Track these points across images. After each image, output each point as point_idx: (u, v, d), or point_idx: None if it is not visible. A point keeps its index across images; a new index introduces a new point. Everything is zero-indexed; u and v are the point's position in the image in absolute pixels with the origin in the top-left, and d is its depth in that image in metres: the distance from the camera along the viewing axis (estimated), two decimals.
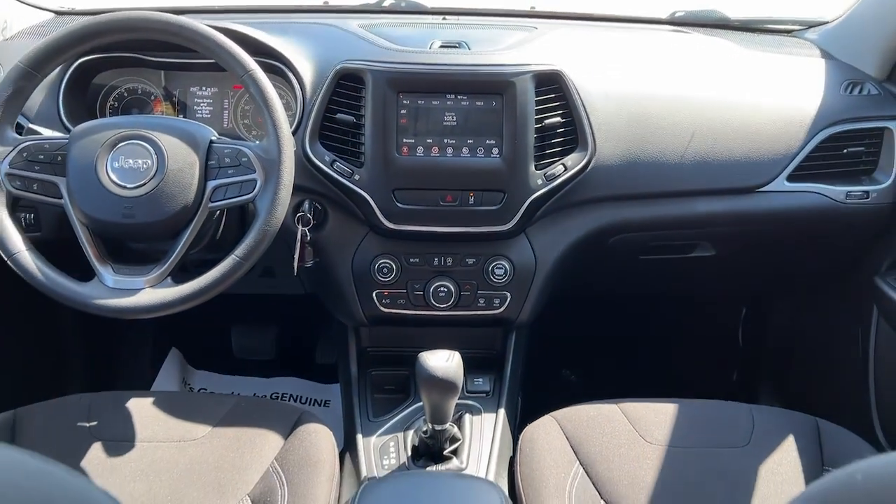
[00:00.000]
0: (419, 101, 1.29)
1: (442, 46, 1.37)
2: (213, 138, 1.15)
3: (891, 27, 1.44)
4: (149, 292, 1.10)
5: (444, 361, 1.12)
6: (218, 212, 1.19)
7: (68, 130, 1.31)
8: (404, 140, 1.29)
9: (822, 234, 1.47)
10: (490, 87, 1.29)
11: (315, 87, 1.32)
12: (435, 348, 1.47)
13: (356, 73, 1.30)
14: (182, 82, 1.42)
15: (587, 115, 1.31)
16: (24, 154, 1.11)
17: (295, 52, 1.37)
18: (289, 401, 1.97)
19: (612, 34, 1.61)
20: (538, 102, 1.29)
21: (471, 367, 1.46)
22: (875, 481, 0.47)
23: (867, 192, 1.39)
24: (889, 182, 1.39)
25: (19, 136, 1.13)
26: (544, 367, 1.55)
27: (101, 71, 1.40)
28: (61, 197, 1.12)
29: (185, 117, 1.42)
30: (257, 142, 1.19)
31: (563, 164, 1.31)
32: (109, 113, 1.41)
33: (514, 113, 1.28)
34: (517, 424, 1.39)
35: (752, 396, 1.91)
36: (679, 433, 1.27)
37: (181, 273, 1.14)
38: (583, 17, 1.71)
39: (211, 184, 1.13)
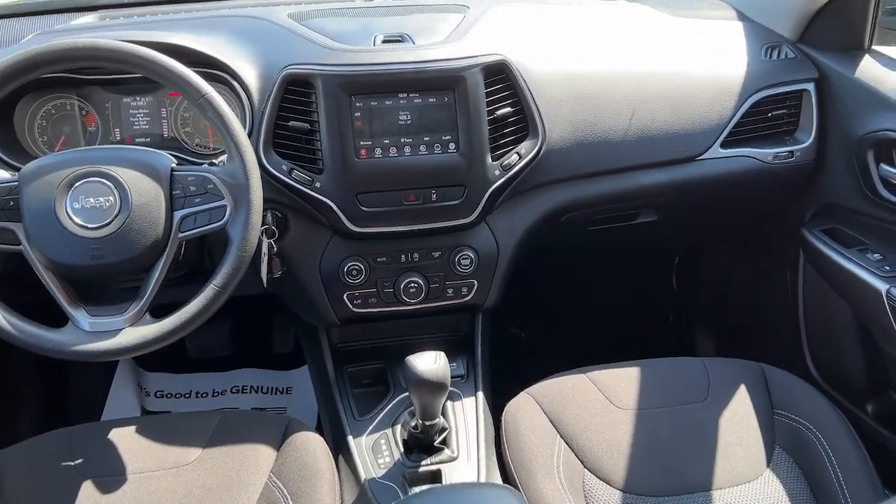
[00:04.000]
0: (372, 103, 1.29)
1: (385, 41, 1.36)
2: (174, 166, 1.12)
3: None
4: (129, 332, 1.08)
5: (432, 364, 1.16)
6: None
7: (7, 164, 1.25)
8: (361, 143, 1.29)
9: (754, 193, 1.58)
10: (441, 83, 1.30)
11: (262, 94, 1.30)
12: (405, 338, 1.54)
13: (305, 77, 1.28)
14: (112, 94, 1.36)
15: (535, 102, 1.35)
16: None
17: (235, 57, 1.32)
18: (249, 392, 1.98)
19: (540, 7, 1.63)
20: (488, 94, 1.32)
21: (441, 350, 1.51)
22: None
23: (792, 153, 1.50)
24: (810, 141, 1.50)
25: None
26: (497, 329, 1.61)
27: (26, 93, 1.31)
28: (19, 243, 1.07)
29: (120, 130, 1.36)
30: (218, 164, 1.16)
31: (517, 153, 1.35)
32: (38, 133, 1.34)
33: (466, 107, 1.30)
34: (493, 402, 1.46)
35: (689, 341, 2.06)
36: (645, 395, 1.37)
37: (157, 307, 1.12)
38: None
39: (178, 214, 1.11)
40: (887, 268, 1.35)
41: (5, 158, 1.24)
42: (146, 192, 1.08)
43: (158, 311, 1.12)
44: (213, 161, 1.22)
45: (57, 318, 1.09)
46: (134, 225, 1.07)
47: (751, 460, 1.27)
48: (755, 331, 1.88)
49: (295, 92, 1.29)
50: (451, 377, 1.43)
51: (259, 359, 2.05)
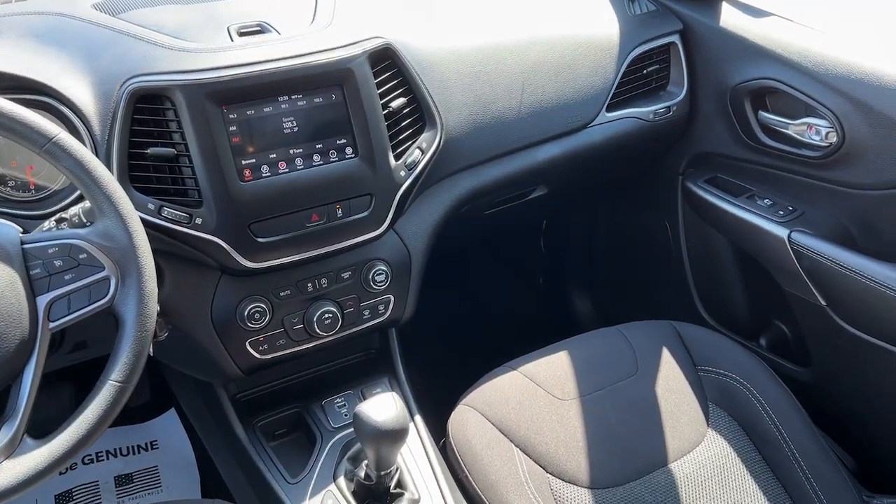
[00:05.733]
0: (248, 112, 1.07)
1: (242, 34, 1.13)
2: (24, 237, 0.84)
3: None
4: (8, 467, 0.80)
5: (390, 411, 1.00)
6: None
7: None
8: (243, 162, 1.06)
9: (636, 152, 1.57)
10: (327, 79, 1.10)
11: (103, 118, 1.02)
12: (314, 370, 1.35)
13: (158, 91, 1.02)
14: None
15: (426, 87, 1.20)
16: None
17: (53, 73, 1.02)
18: (109, 458, 1.67)
19: None
20: (378, 85, 1.15)
21: (358, 375, 1.36)
22: None
23: (669, 108, 1.50)
24: (683, 93, 1.51)
25: None
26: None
27: None
28: None
29: None
30: (86, 225, 0.89)
31: (419, 149, 1.19)
32: None
33: (359, 103, 1.12)
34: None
35: (565, 304, 2.06)
36: (581, 380, 1.32)
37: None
38: None
39: (43, 299, 0.83)
40: (781, 213, 1.40)
41: None
42: None
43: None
44: (64, 216, 0.93)
45: None
46: None
47: (693, 424, 1.28)
48: (637, 285, 1.91)
49: (147, 110, 1.03)
50: None
51: None
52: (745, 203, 1.46)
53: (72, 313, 0.85)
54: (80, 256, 0.84)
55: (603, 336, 1.42)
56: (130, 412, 1.73)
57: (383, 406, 1.01)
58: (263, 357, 1.18)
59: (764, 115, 1.40)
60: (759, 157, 1.46)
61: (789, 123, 1.36)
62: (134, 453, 1.70)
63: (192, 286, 1.12)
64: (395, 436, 1.01)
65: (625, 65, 1.43)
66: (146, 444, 1.72)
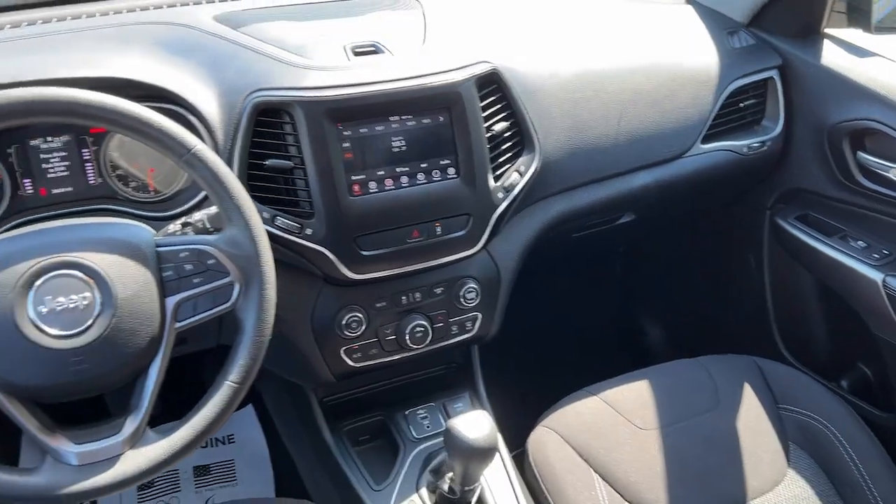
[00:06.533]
0: (362, 130, 1.11)
1: (358, 53, 1.17)
2: (158, 239, 0.89)
3: None
4: (131, 457, 0.85)
5: (482, 429, 1.03)
6: None
7: None
8: (353, 178, 1.11)
9: (726, 184, 1.56)
10: (437, 101, 1.14)
11: (227, 128, 1.07)
12: (398, 379, 1.39)
13: (279, 106, 1.07)
14: (14, 136, 1.06)
15: (528, 112, 1.23)
16: None
17: (184, 84, 1.08)
18: None
19: None
20: (483, 108, 1.18)
21: (439, 388, 1.38)
22: None
23: (763, 142, 1.49)
24: (779, 129, 1.50)
25: None
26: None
27: None
28: None
29: (32, 182, 1.07)
30: (209, 231, 0.94)
31: (517, 171, 1.22)
32: None
33: (464, 126, 1.15)
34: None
35: (639, 331, 2.06)
36: (661, 410, 1.33)
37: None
38: None
39: (172, 300, 0.88)
40: (876, 256, 1.38)
41: None
42: (132, 281, 0.85)
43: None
44: (189, 220, 0.98)
45: None
46: (122, 324, 0.84)
47: (773, 463, 1.27)
48: (714, 316, 1.90)
49: (267, 123, 1.08)
50: None
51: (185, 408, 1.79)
52: (838, 243, 1.44)
53: (197, 315, 0.89)
54: (209, 262, 0.89)
55: (684, 367, 1.42)
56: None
57: (476, 424, 1.03)
58: (356, 365, 1.22)
59: (863, 155, 1.39)
60: (854, 197, 1.44)
61: (890, 167, 1.34)
62: (212, 445, 1.77)
63: (296, 293, 1.16)
64: (486, 454, 1.03)
65: (722, 98, 1.43)
66: (224, 437, 1.78)
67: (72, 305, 0.82)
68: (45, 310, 0.81)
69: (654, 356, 1.99)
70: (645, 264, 2.06)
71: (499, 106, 1.20)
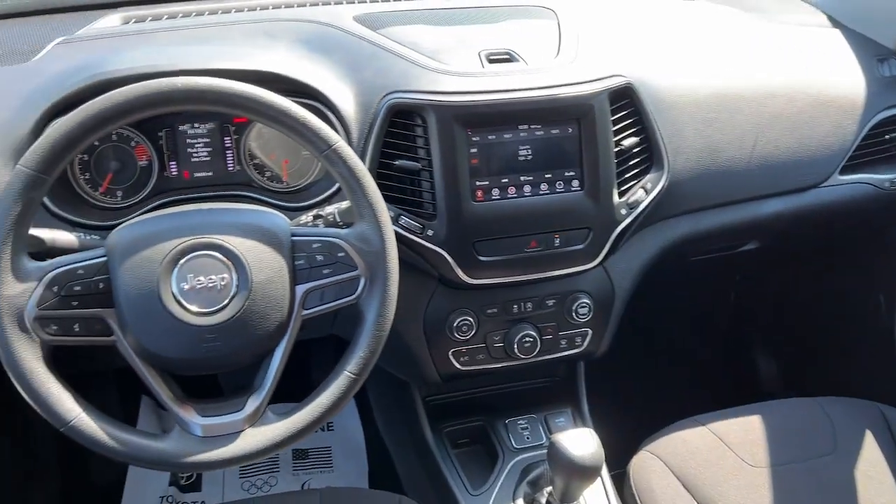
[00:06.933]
0: (490, 137, 1.12)
1: (492, 60, 1.18)
2: (293, 229, 0.93)
3: None
4: (251, 434, 0.89)
5: (588, 447, 1.02)
6: None
7: (64, 220, 1.02)
8: (478, 183, 1.12)
9: (862, 218, 1.48)
10: (568, 113, 1.13)
11: (361, 127, 1.10)
12: (500, 386, 1.39)
13: (413, 108, 1.09)
14: (166, 120, 1.13)
15: (659, 129, 1.20)
16: (55, 287, 0.83)
17: (325, 81, 1.12)
18: None
19: (626, 8, 1.47)
20: (614, 122, 1.16)
21: (541, 400, 1.38)
22: None
23: None
24: None
25: (41, 264, 0.84)
26: None
27: None
28: (111, 334, 0.86)
29: (177, 164, 1.14)
30: (339, 224, 0.97)
31: (643, 188, 1.20)
32: (80, 171, 1.10)
33: (593, 138, 1.14)
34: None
35: (749, 363, 1.97)
36: (773, 448, 1.27)
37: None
38: None
39: (301, 288, 0.91)
40: None
41: (59, 212, 1.01)
42: (268, 266, 0.89)
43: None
44: (320, 213, 1.02)
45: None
46: (255, 307, 0.88)
47: None
48: (833, 356, 1.80)
49: (399, 124, 1.10)
50: None
51: (293, 392, 1.86)
52: None
53: (323, 305, 0.92)
54: (339, 255, 0.92)
55: (800, 406, 1.36)
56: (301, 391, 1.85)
57: (582, 441, 1.02)
58: (462, 368, 1.23)
59: None
60: None
61: None
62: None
63: (411, 291, 1.18)
64: (589, 473, 1.02)
65: (867, 128, 1.36)
66: (325, 425, 1.83)
67: (211, 285, 0.87)
68: (186, 287, 0.86)
69: (765, 391, 1.90)
70: (762, 294, 1.97)
71: (630, 121, 1.18)
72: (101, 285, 0.85)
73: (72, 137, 0.83)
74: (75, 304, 0.84)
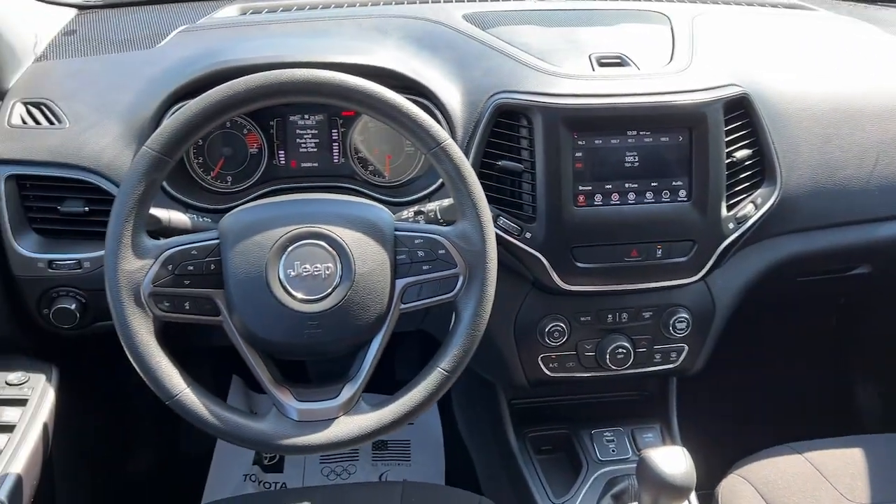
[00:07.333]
0: (596, 141, 1.10)
1: (603, 64, 1.16)
2: (396, 224, 0.94)
3: None
4: (344, 422, 0.91)
5: (680, 466, 0.98)
6: None
7: (179, 202, 1.07)
8: (580, 188, 1.10)
9: None
10: (678, 121, 1.10)
11: (467, 126, 1.10)
12: (588, 396, 1.36)
13: (520, 109, 1.09)
14: (278, 110, 1.16)
15: (773, 143, 1.16)
16: (170, 266, 0.87)
17: (434, 78, 1.13)
18: None
19: (743, 17, 1.42)
20: (727, 133, 1.12)
21: (629, 413, 1.35)
22: None
23: None
24: None
25: (159, 242, 0.88)
26: None
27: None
28: (218, 314, 0.89)
29: (285, 154, 1.17)
30: (439, 222, 0.98)
31: (752, 203, 1.15)
32: (194, 155, 1.15)
33: (704, 149, 1.11)
34: None
35: (847, 390, 1.88)
36: (875, 484, 1.20)
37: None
38: None
39: (401, 282, 0.92)
40: None
41: (174, 193, 1.06)
42: (371, 259, 0.90)
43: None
44: (421, 209, 1.03)
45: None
46: (356, 297, 0.89)
47: None
48: None
49: (504, 125, 1.10)
50: None
51: (378, 385, 1.88)
52: None
53: (420, 300, 0.93)
54: (440, 252, 0.92)
55: None
56: (399, 386, 1.87)
57: (674, 460, 0.99)
58: (551, 374, 1.21)
59: None
60: None
61: None
62: None
63: (504, 293, 1.16)
64: (680, 492, 0.99)
65: None
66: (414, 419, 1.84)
67: (316, 273, 0.88)
68: (293, 273, 0.88)
69: (865, 423, 1.80)
70: (868, 321, 1.87)
71: (744, 132, 1.14)
72: (213, 266, 0.88)
73: (195, 122, 0.86)
74: (187, 283, 0.87)
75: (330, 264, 0.89)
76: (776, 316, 1.82)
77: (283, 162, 1.17)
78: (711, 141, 1.10)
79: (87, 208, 1.06)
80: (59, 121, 1.08)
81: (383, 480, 1.70)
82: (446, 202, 1.00)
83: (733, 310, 1.25)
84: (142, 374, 0.87)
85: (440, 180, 1.12)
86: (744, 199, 1.15)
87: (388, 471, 1.74)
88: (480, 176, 1.10)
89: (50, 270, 1.07)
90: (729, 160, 1.12)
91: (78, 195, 1.07)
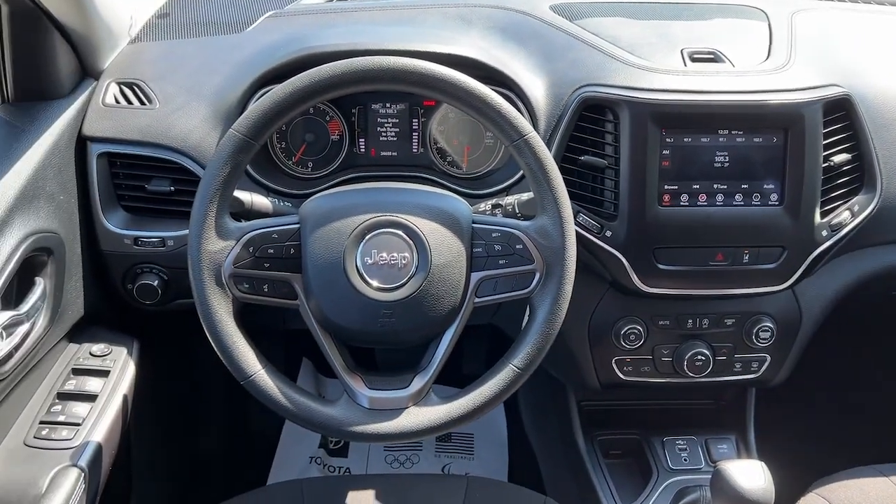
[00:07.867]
0: (685, 139, 1.06)
1: (695, 59, 1.12)
2: (474, 216, 0.92)
3: None
4: (413, 413, 0.90)
5: (758, 480, 0.94)
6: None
7: (262, 185, 1.08)
8: (666, 187, 1.06)
9: None
10: (773, 121, 1.05)
11: (549, 118, 1.08)
12: (661, 401, 1.32)
13: (606, 103, 1.06)
14: (360, 98, 1.16)
15: (875, 148, 1.09)
16: (251, 248, 0.88)
17: (518, 69, 1.11)
18: None
19: (844, 14, 1.34)
20: (825, 136, 1.06)
21: (703, 423, 1.30)
22: None
23: None
24: None
25: (241, 225, 0.89)
26: None
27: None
28: (296, 297, 0.90)
29: (366, 141, 1.17)
30: (517, 216, 0.96)
31: (849, 210, 1.09)
32: (277, 140, 1.16)
33: (800, 151, 1.05)
34: None
35: None
36: None
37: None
38: None
39: (476, 275, 0.91)
40: None
41: (256, 177, 1.07)
42: (448, 250, 0.89)
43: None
44: (499, 203, 1.01)
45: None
46: (431, 288, 0.88)
47: None
48: None
49: (589, 119, 1.07)
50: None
51: (444, 376, 1.87)
52: None
53: (495, 295, 0.91)
54: (517, 247, 0.90)
55: None
56: (465, 379, 1.86)
57: (752, 474, 0.95)
58: (624, 378, 1.18)
59: None
60: None
61: None
62: None
63: (579, 292, 1.14)
64: None
65: None
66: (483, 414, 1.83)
67: (392, 262, 0.88)
68: (370, 261, 0.88)
69: None
70: None
71: (843, 135, 1.08)
72: (292, 251, 0.89)
73: (282, 107, 0.86)
74: (267, 265, 0.88)
75: (406, 254, 0.88)
76: (865, 330, 1.73)
77: (363, 150, 1.17)
78: (808, 143, 1.05)
79: (172, 188, 1.09)
80: (150, 101, 1.11)
81: (446, 473, 1.70)
82: (525, 196, 0.98)
83: (821, 321, 1.19)
84: (219, 353, 0.88)
85: (519, 174, 1.11)
86: (840, 205, 1.09)
87: (451, 463, 1.73)
88: (561, 171, 1.07)
89: (135, 247, 1.10)
90: (826, 164, 1.07)
91: (165, 175, 1.09)
